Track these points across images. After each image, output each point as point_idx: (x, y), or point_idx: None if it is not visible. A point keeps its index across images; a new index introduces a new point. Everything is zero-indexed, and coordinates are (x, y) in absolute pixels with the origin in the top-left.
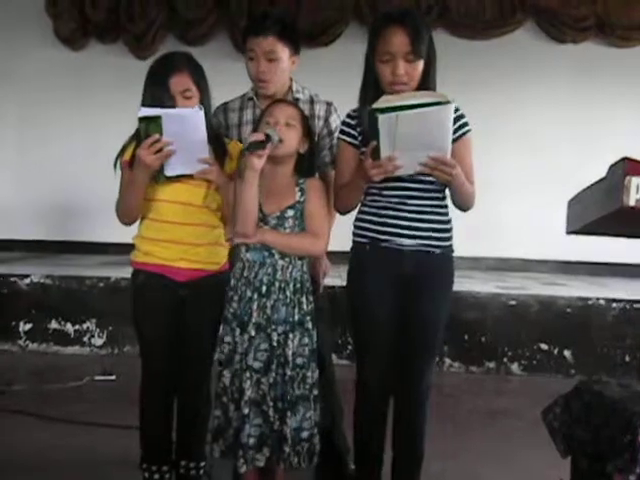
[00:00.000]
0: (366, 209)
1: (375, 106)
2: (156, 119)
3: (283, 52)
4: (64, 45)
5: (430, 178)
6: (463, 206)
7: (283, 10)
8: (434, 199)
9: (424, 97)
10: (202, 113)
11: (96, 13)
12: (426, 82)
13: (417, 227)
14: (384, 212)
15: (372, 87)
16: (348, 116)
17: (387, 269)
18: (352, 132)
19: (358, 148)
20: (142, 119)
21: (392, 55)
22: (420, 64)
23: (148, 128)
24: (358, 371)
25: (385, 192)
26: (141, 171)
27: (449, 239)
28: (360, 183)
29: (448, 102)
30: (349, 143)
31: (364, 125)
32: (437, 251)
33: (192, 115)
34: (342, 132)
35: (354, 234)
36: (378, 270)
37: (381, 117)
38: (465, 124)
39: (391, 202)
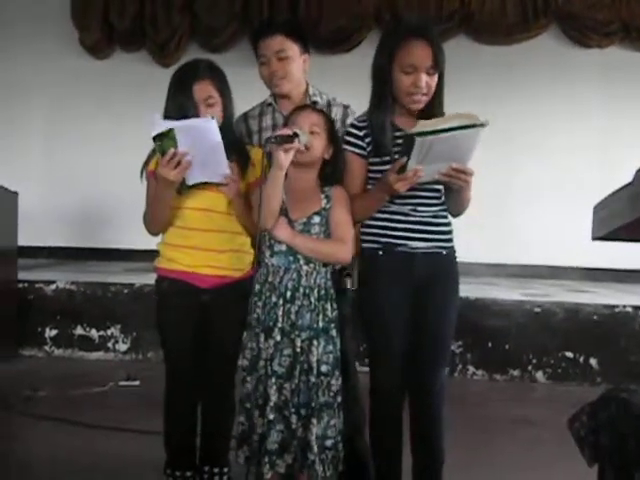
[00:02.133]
0: (376, 215)
1: (414, 131)
2: (169, 133)
3: (292, 50)
4: (89, 54)
5: (437, 187)
6: (461, 211)
7: (289, 16)
8: (439, 205)
9: (458, 119)
10: (214, 121)
11: (121, 22)
12: (438, 92)
13: (428, 230)
14: (396, 217)
15: (389, 96)
16: (353, 126)
17: (400, 272)
18: (359, 143)
19: (365, 158)
20: (156, 137)
21: (415, 68)
22: (437, 76)
23: (163, 144)
24: (371, 377)
25: (397, 200)
26: (166, 188)
27: (452, 240)
28: (383, 197)
29: (482, 125)
30: (357, 154)
31: (380, 141)
32: (444, 252)
33: (203, 124)
34: (348, 143)
35: (363, 240)
36: (392, 274)
37: (418, 140)
38: None
39: (402, 209)
